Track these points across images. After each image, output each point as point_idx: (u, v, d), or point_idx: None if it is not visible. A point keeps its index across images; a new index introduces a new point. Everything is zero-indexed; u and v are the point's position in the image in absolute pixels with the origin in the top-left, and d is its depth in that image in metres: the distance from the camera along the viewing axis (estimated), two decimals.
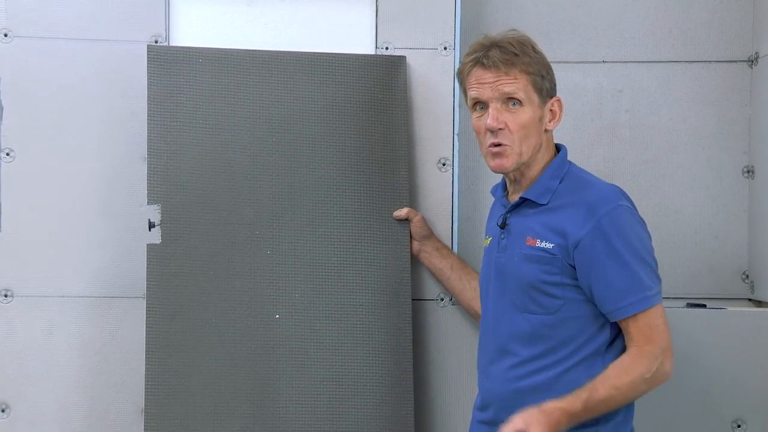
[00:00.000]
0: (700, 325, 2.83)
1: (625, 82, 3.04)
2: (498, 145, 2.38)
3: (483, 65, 2.38)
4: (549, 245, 2.36)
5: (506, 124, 2.37)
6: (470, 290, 2.77)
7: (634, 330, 2.31)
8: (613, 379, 2.27)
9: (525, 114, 2.38)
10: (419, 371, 2.86)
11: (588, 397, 2.25)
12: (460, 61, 2.80)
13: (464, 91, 2.47)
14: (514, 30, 2.45)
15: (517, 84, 2.37)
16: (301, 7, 2.91)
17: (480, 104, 2.41)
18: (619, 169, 3.02)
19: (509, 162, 2.40)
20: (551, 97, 2.43)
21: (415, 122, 2.88)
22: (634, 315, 2.29)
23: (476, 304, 2.73)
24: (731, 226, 3.03)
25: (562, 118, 2.45)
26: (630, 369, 2.28)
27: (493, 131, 2.38)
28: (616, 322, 2.36)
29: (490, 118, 2.38)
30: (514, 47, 2.38)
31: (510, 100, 2.38)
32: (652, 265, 2.34)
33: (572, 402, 2.24)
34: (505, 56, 2.37)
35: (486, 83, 2.38)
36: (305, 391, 2.71)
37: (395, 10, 2.88)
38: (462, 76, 2.45)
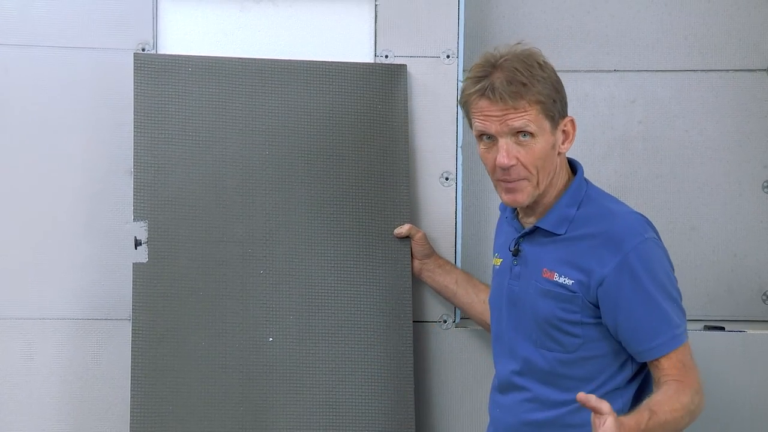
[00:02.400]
0: (719, 348, 2.79)
1: (638, 92, 3.00)
2: (511, 181, 2.30)
3: (489, 98, 2.27)
4: (569, 281, 2.28)
5: (518, 159, 2.27)
6: (480, 303, 2.71)
7: (667, 366, 2.26)
8: (666, 404, 2.20)
9: (537, 145, 2.27)
10: (421, 397, 2.82)
11: (649, 419, 2.16)
12: (463, 70, 2.81)
13: (468, 119, 2.36)
14: (519, 43, 2.33)
15: (527, 116, 2.25)
16: (296, 13, 2.88)
17: (487, 136, 2.31)
18: (631, 184, 2.97)
19: (523, 196, 2.31)
20: (563, 118, 2.32)
21: (417, 134, 2.84)
22: (673, 351, 2.25)
23: (488, 317, 2.63)
24: (751, 244, 2.98)
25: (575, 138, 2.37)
26: (679, 397, 2.22)
27: (505, 168, 2.28)
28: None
29: (501, 156, 2.27)
30: (522, 74, 2.25)
31: (520, 132, 2.27)
32: (678, 301, 2.29)
33: (639, 420, 2.14)
34: (513, 88, 2.24)
35: (493, 116, 2.27)
36: (300, 419, 2.66)
37: (395, 16, 2.85)
38: (467, 106, 2.33)
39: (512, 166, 2.27)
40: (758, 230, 2.97)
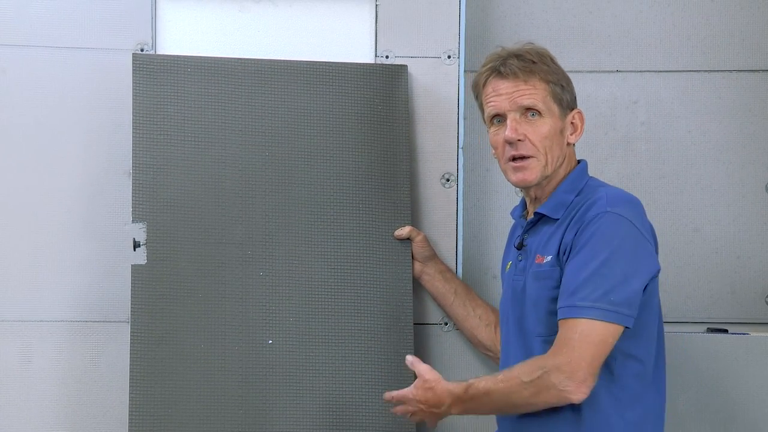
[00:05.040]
0: (722, 351, 2.75)
1: (640, 93, 2.98)
2: (519, 158, 2.34)
3: (500, 74, 2.35)
4: (549, 258, 2.32)
5: (526, 136, 2.33)
6: (474, 318, 2.72)
7: (559, 335, 2.23)
8: (499, 375, 2.24)
9: (545, 124, 2.34)
10: None
11: (470, 385, 2.24)
12: (464, 70, 2.81)
13: (480, 106, 2.43)
14: (531, 43, 2.43)
15: (536, 95, 2.33)
16: (295, 14, 2.87)
17: (498, 118, 2.37)
18: (634, 185, 2.94)
19: (533, 175, 2.35)
20: (571, 110, 2.40)
21: (418, 135, 2.83)
22: (563, 320, 2.22)
23: (479, 333, 2.70)
24: (754, 245, 2.96)
25: (583, 132, 2.43)
26: (515, 369, 2.23)
27: (512, 143, 2.33)
28: (624, 342, 2.27)
29: (508, 130, 2.33)
30: (533, 56, 2.36)
31: (529, 110, 2.34)
32: (605, 279, 2.20)
33: (457, 384, 2.26)
34: (524, 64, 2.34)
35: (503, 94, 2.35)
36: (300, 422, 2.64)
37: (396, 16, 2.84)
38: (478, 88, 2.41)
39: (519, 141, 2.32)
40: (762, 232, 2.95)
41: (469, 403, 2.25)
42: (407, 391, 2.30)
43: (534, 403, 2.21)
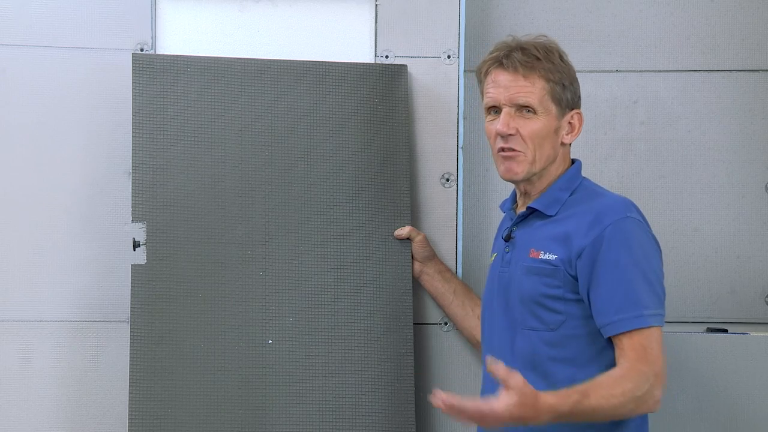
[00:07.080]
0: (722, 351, 2.75)
1: (640, 93, 2.98)
2: (508, 149, 2.35)
3: (502, 65, 2.36)
4: (552, 257, 2.31)
5: (518, 130, 2.34)
6: (472, 318, 2.72)
7: (627, 346, 2.22)
8: (605, 388, 2.15)
9: (538, 122, 2.35)
10: (421, 399, 2.78)
11: (578, 401, 2.12)
12: (464, 70, 2.82)
13: (482, 92, 2.44)
14: (544, 36, 2.42)
15: (533, 93, 2.34)
16: (295, 13, 2.87)
17: (494, 109, 2.39)
18: (634, 185, 2.96)
19: (520, 168, 2.36)
20: (572, 110, 2.40)
21: (417, 135, 2.83)
22: (628, 332, 2.21)
23: (478, 333, 2.68)
24: (754, 245, 2.96)
25: (580, 133, 2.42)
26: (621, 382, 2.17)
27: (503, 136, 2.34)
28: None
29: (500, 124, 2.34)
30: (539, 51, 2.36)
31: (524, 107, 2.35)
32: (654, 286, 2.26)
33: (563, 401, 2.11)
34: (527, 59, 2.34)
35: (502, 86, 2.36)
36: (300, 422, 2.64)
37: (396, 16, 2.83)
38: (480, 75, 2.43)
39: (510, 135, 2.33)
40: (761, 232, 2.95)
41: (568, 418, 2.12)
42: (500, 407, 2.04)
43: (632, 414, 2.20)
